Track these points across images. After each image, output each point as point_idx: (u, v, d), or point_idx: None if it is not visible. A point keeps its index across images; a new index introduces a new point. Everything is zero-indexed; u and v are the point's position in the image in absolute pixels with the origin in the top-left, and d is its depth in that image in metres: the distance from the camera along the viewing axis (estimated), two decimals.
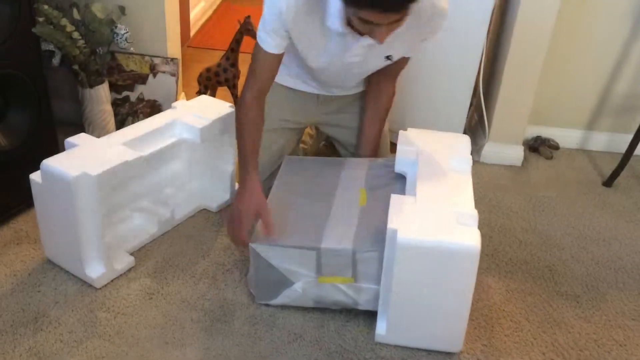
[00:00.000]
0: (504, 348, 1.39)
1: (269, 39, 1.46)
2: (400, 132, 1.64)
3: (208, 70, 2.23)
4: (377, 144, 1.77)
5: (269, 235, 1.40)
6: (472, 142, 2.27)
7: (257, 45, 1.49)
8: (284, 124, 1.81)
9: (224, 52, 2.22)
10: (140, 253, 1.60)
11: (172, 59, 2.09)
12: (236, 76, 2.25)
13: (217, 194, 1.81)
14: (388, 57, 1.56)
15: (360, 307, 1.41)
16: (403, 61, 1.65)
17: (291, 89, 1.81)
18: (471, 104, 2.25)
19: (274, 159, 1.76)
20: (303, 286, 1.41)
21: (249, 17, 2.13)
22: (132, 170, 1.44)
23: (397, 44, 1.50)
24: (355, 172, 1.66)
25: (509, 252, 1.73)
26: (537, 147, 2.31)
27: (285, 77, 1.80)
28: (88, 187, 1.36)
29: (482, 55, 2.11)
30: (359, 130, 1.80)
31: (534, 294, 1.57)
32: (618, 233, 1.85)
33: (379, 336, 1.37)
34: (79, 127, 2.11)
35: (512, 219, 1.89)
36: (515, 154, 2.22)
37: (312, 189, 1.60)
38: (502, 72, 2.09)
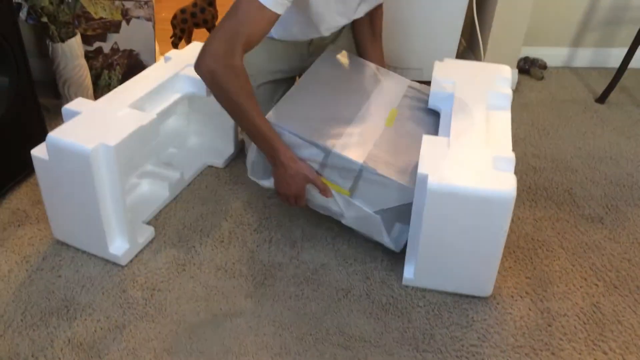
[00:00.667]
0: (547, 278, 1.40)
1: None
2: (436, 62, 1.55)
3: (183, 11, 2.03)
4: (384, 64, 1.69)
5: (327, 196, 1.33)
6: None
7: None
8: (277, 75, 1.67)
9: None
10: (157, 222, 1.49)
11: (146, 2, 1.88)
12: (215, 17, 2.07)
13: (222, 149, 1.70)
14: None
15: (344, 221, 1.36)
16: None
17: (281, 40, 1.67)
18: None
19: None
20: None
21: None
22: (148, 134, 1.30)
23: None
24: (394, 88, 1.56)
25: (527, 180, 1.73)
26: (528, 68, 2.29)
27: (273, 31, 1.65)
28: (107, 159, 1.22)
29: None
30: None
31: (561, 219, 1.58)
32: (622, 150, 1.88)
33: (407, 280, 1.33)
34: (51, 86, 1.91)
35: (521, 145, 1.88)
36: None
37: (346, 87, 1.49)
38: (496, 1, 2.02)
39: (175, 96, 1.48)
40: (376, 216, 1.32)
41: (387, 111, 1.46)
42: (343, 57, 1.62)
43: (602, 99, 2.14)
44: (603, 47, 2.34)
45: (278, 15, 1.25)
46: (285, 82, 1.71)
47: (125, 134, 1.24)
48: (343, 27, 1.75)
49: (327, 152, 1.30)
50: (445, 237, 1.23)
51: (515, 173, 1.74)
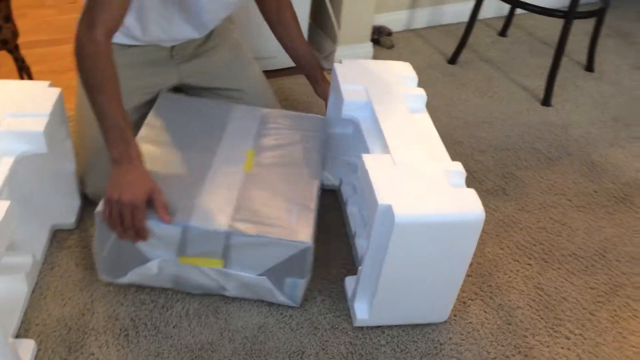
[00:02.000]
0: (486, 270, 1.35)
1: None
2: (335, 65, 1.37)
3: None
4: (314, 58, 1.50)
5: (167, 222, 1.09)
6: (318, 51, 2.09)
7: None
8: (143, 95, 1.41)
9: None
10: (31, 331, 1.12)
11: None
12: (16, 34, 1.62)
13: (67, 204, 1.35)
14: None
15: (227, 294, 1.21)
16: None
17: (137, 46, 1.40)
18: None
19: None
20: (160, 265, 1.15)
21: None
22: (5, 226, 0.94)
23: None
24: (245, 124, 1.38)
25: None
26: (377, 38, 2.20)
27: (120, 36, 1.37)
28: None
29: None
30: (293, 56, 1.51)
31: None
32: (490, 111, 1.90)
33: (361, 321, 1.18)
34: None
35: None
36: (365, 52, 2.09)
37: (188, 142, 1.30)
38: None
39: (7, 163, 1.09)
40: (262, 278, 1.16)
41: (242, 154, 1.28)
42: (180, 102, 1.41)
43: (453, 59, 2.15)
44: (437, 5, 2.35)
45: None
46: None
47: None
48: (212, 33, 1.49)
49: (184, 227, 1.10)
50: (408, 269, 1.09)
51: None
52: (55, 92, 1.21)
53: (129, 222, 1.07)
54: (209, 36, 1.50)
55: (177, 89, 1.52)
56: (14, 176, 1.11)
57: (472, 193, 1.07)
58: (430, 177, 1.10)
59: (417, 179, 1.09)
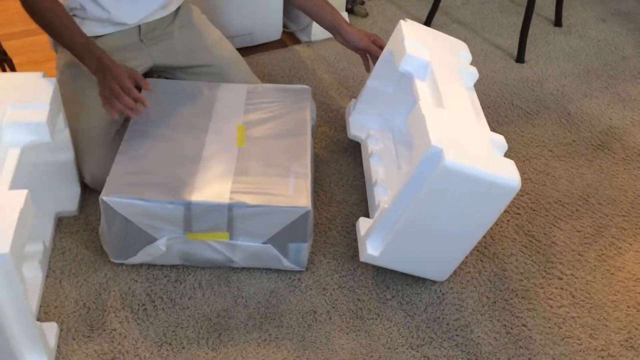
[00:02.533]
0: None
1: None
2: (402, 22, 1.39)
3: None
4: (328, 5, 1.49)
5: (148, 89, 1.26)
6: (295, 24, 2.11)
7: None
8: None
9: None
10: (50, 314, 1.15)
11: None
12: None
13: (68, 192, 1.37)
14: None
15: (235, 265, 1.26)
16: None
17: (107, 35, 1.43)
18: None
19: (116, 124, 1.42)
20: (167, 243, 1.20)
21: None
22: (28, 214, 0.96)
23: None
24: (232, 102, 1.42)
25: None
26: (352, 7, 2.23)
27: (85, 23, 1.42)
28: (3, 270, 0.88)
29: None
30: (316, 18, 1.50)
31: None
32: None
33: (368, 256, 1.21)
34: None
35: None
36: None
37: (179, 122, 1.34)
38: None
39: (14, 153, 1.11)
40: (267, 246, 1.22)
41: (234, 130, 1.33)
42: (164, 85, 1.45)
43: (427, 23, 2.19)
44: None
45: None
46: None
47: (11, 230, 0.90)
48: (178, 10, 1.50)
49: (187, 204, 1.15)
50: (432, 218, 1.13)
51: None
52: (51, 82, 1.22)
53: (124, 94, 1.20)
54: (175, 16, 1.52)
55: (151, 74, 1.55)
56: (19, 167, 1.13)
57: (512, 164, 1.12)
58: (478, 140, 1.14)
59: (466, 137, 1.13)
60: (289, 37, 2.11)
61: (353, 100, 1.59)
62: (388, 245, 1.19)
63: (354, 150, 1.61)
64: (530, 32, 2.14)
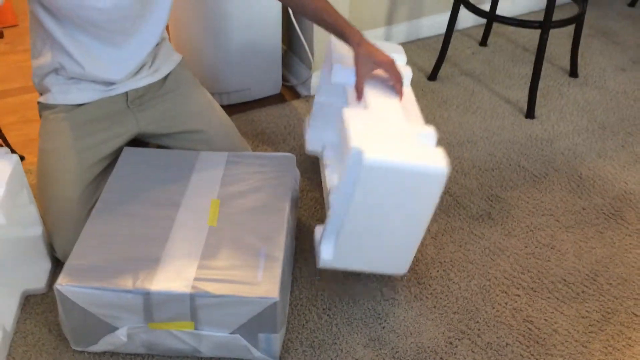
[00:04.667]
0: (472, 306, 1.30)
1: None
2: (332, 38, 1.43)
3: None
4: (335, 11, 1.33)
5: None
6: (295, 77, 2.05)
7: None
8: (105, 148, 1.38)
9: None
10: None
11: None
12: None
13: (37, 268, 1.31)
14: None
15: (202, 355, 1.17)
16: None
17: (93, 102, 1.39)
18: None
19: (93, 197, 1.35)
20: (129, 332, 1.13)
21: None
22: None
23: None
24: (209, 172, 1.35)
25: None
26: None
27: (70, 91, 1.39)
28: None
29: None
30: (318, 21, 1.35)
31: (456, 229, 1.49)
32: (473, 128, 1.86)
33: (324, 261, 1.21)
34: None
35: None
36: None
37: (151, 197, 1.27)
38: None
39: None
40: (235, 336, 1.13)
41: (207, 205, 1.26)
42: (143, 155, 1.39)
43: (433, 75, 2.10)
44: (413, 19, 2.30)
45: None
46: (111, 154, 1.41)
47: None
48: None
49: (146, 294, 1.07)
50: (372, 216, 1.14)
51: None
52: (11, 160, 1.17)
53: None
54: (164, 81, 1.47)
55: (138, 142, 1.50)
56: None
57: (439, 151, 1.13)
58: (403, 133, 1.16)
59: (390, 134, 1.15)
60: (289, 91, 2.05)
61: (307, 117, 1.61)
62: (339, 247, 1.20)
63: None
64: (542, 83, 2.04)
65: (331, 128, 1.55)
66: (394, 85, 1.29)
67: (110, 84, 1.38)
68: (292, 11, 1.87)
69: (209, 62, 1.87)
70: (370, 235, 1.18)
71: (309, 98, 1.99)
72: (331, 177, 1.42)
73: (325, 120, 1.56)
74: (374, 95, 1.26)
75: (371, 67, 1.27)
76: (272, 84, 2.01)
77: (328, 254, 1.21)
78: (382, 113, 1.21)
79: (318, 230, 1.25)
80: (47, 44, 1.32)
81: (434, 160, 1.10)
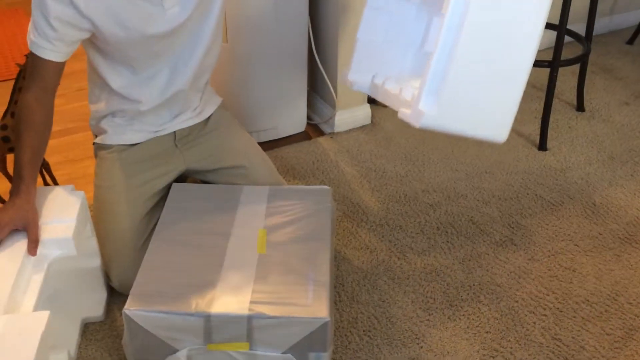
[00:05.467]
0: (504, 325, 1.40)
1: (44, 43, 1.25)
2: None
3: None
4: None
5: (32, 254, 1.18)
6: (319, 116, 2.17)
7: (32, 55, 1.28)
8: (157, 184, 1.50)
9: (6, 108, 1.65)
10: None
11: None
12: None
13: (95, 297, 1.41)
14: None
15: None
16: None
17: (145, 142, 1.51)
18: None
19: (147, 229, 1.46)
20: (189, 354, 1.21)
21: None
22: (50, 333, 1.00)
23: None
24: (253, 205, 1.45)
25: (430, 220, 1.71)
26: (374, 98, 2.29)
27: (124, 132, 1.50)
28: None
29: (308, 28, 1.96)
30: None
31: (482, 254, 1.59)
32: (492, 160, 1.97)
33: (429, 117, 1.16)
34: None
35: (408, 183, 1.87)
36: (363, 114, 2.17)
37: (202, 228, 1.38)
38: (337, 36, 1.96)
39: (41, 270, 1.16)
40: (287, 355, 1.22)
41: (255, 234, 1.36)
42: (191, 191, 1.50)
43: None
44: None
45: (60, 63, 1.29)
46: (161, 191, 1.52)
47: (32, 353, 0.93)
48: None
49: (207, 316, 1.17)
50: (480, 50, 1.15)
51: (416, 214, 1.74)
52: (79, 196, 1.29)
53: None
54: (206, 121, 1.60)
55: (183, 177, 1.62)
56: (44, 283, 1.18)
57: None
58: None
59: None
60: (313, 129, 2.17)
61: (345, 69, 1.56)
62: (442, 102, 1.16)
63: (375, 246, 1.61)
64: (552, 117, 2.16)
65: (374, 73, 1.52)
66: None
67: (160, 123, 1.50)
68: None
69: (241, 103, 1.99)
70: (472, 89, 1.18)
71: (333, 135, 2.10)
72: (403, 90, 1.37)
73: (369, 61, 1.52)
74: None
75: None
76: (297, 123, 2.13)
77: (432, 109, 1.16)
78: None
79: (404, 88, 1.31)
80: (104, 90, 1.44)
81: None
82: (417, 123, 1.18)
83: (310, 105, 2.19)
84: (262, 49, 1.91)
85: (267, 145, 2.04)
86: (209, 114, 1.60)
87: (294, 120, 2.12)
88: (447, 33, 1.14)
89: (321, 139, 2.10)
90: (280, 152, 2.02)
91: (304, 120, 2.14)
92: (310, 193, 1.50)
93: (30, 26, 1.26)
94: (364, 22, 1.50)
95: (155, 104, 1.46)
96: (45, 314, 1.01)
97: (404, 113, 1.22)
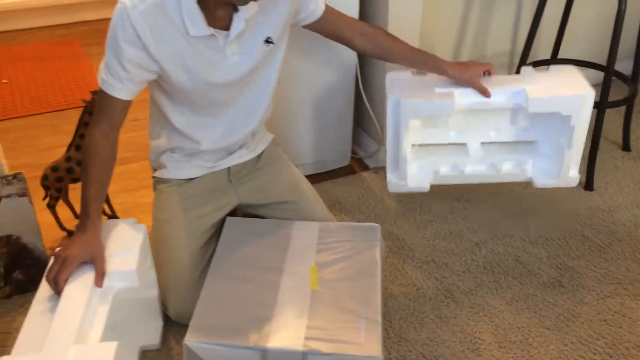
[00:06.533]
0: None
1: (115, 82, 1.32)
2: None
3: (55, 169, 1.72)
4: (417, 50, 1.67)
5: (98, 286, 1.23)
6: (363, 150, 2.21)
7: (102, 92, 1.35)
8: (211, 217, 1.55)
9: (70, 142, 1.74)
10: None
11: (15, 175, 1.56)
12: None
13: (152, 325, 1.46)
14: (267, 40, 1.42)
15: None
16: (328, 18, 1.57)
17: (201, 177, 1.57)
18: None
19: (203, 261, 1.51)
20: None
21: (96, 92, 1.67)
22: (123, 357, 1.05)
23: (264, 21, 1.41)
24: (305, 241, 1.49)
25: (477, 258, 1.72)
26: None
27: (182, 167, 1.57)
28: None
29: (356, 65, 2.01)
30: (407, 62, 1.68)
31: (529, 295, 1.60)
32: (537, 200, 1.98)
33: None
34: None
35: (452, 221, 1.88)
36: None
37: (256, 262, 1.42)
38: (384, 72, 2.00)
39: (107, 300, 1.21)
40: None
41: (307, 271, 1.40)
42: (244, 225, 1.55)
43: None
44: None
45: (127, 102, 1.37)
46: (214, 225, 1.57)
47: None
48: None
49: (263, 350, 1.21)
50: None
51: (462, 252, 1.76)
52: (140, 230, 1.35)
53: (54, 272, 1.22)
54: (259, 157, 1.66)
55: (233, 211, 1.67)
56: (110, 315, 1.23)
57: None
58: None
59: None
60: (358, 163, 2.21)
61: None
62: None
63: (422, 284, 1.63)
64: (598, 157, 2.16)
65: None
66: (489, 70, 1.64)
67: (216, 160, 1.56)
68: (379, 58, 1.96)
69: (288, 138, 2.05)
70: None
71: (378, 170, 2.14)
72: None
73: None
74: None
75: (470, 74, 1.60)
76: (342, 157, 2.18)
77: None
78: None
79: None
80: (165, 128, 1.51)
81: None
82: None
83: (355, 139, 2.24)
84: (310, 86, 1.96)
85: (313, 179, 2.08)
86: (261, 150, 1.66)
87: (339, 154, 2.16)
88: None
89: (365, 174, 2.13)
90: (326, 186, 2.06)
91: (348, 154, 2.19)
92: (359, 230, 1.53)
93: (102, 66, 1.34)
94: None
95: (213, 147, 1.53)
96: (113, 345, 1.06)
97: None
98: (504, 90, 1.61)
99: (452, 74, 1.61)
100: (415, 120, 1.69)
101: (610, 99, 1.96)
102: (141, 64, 1.31)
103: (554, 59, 2.29)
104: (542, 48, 2.45)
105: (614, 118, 2.42)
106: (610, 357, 1.42)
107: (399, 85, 1.67)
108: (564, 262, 1.71)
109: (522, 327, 1.50)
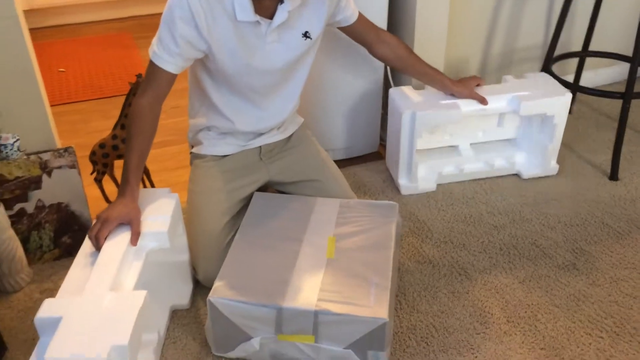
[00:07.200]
0: (558, 343, 1.45)
1: (165, 56, 1.43)
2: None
3: (102, 146, 1.88)
4: (431, 67, 1.89)
5: (133, 245, 1.36)
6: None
7: (152, 64, 1.45)
8: (243, 191, 1.67)
9: (117, 120, 1.89)
10: None
11: (66, 149, 1.72)
12: None
13: (182, 288, 1.59)
14: (306, 35, 1.53)
15: None
16: (360, 24, 1.73)
17: (234, 155, 1.69)
18: None
19: (231, 231, 1.62)
20: (261, 342, 1.35)
21: (140, 75, 1.82)
22: (146, 312, 1.18)
23: (305, 17, 1.52)
24: (325, 215, 1.59)
25: (494, 241, 1.78)
26: None
27: (217, 144, 1.69)
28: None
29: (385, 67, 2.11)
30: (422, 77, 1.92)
31: (543, 276, 1.65)
32: (560, 188, 2.02)
33: None
34: None
35: (474, 205, 1.94)
36: None
37: (279, 233, 1.53)
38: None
39: (140, 257, 1.35)
40: (348, 351, 1.34)
41: (325, 241, 1.50)
42: (270, 200, 1.67)
43: None
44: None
45: (174, 75, 1.46)
46: (244, 199, 1.69)
47: (131, 325, 1.11)
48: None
49: (279, 309, 1.31)
50: None
51: (480, 235, 1.82)
52: (173, 197, 1.48)
53: (95, 231, 1.35)
54: (289, 139, 1.77)
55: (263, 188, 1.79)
56: (143, 268, 1.37)
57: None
58: None
59: None
60: (385, 150, 2.29)
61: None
62: None
63: (438, 261, 1.71)
64: (625, 148, 2.17)
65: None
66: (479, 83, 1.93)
67: (249, 139, 1.68)
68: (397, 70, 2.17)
69: (319, 124, 2.15)
70: None
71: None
72: None
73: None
74: None
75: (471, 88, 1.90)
76: (370, 143, 2.26)
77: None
78: None
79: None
80: (204, 105, 1.64)
81: None
82: None
83: (384, 127, 2.32)
84: (341, 75, 2.06)
85: (342, 163, 2.18)
86: (291, 132, 1.77)
87: (368, 140, 2.25)
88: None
89: None
90: (353, 170, 2.15)
91: (377, 141, 2.27)
92: (378, 207, 1.62)
93: (154, 40, 1.45)
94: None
95: (246, 130, 1.65)
96: (143, 293, 1.19)
97: None
98: (497, 97, 1.92)
99: (457, 90, 1.90)
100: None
101: (635, 90, 1.98)
102: (192, 41, 1.42)
103: (585, 51, 2.31)
104: (574, 41, 2.48)
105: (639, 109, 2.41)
106: (617, 335, 1.46)
107: (405, 100, 1.93)
108: (580, 247, 1.75)
109: (532, 304, 1.56)
